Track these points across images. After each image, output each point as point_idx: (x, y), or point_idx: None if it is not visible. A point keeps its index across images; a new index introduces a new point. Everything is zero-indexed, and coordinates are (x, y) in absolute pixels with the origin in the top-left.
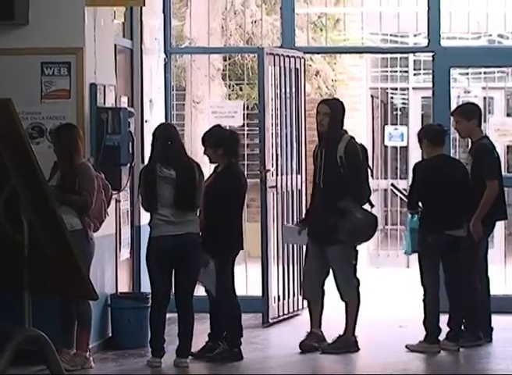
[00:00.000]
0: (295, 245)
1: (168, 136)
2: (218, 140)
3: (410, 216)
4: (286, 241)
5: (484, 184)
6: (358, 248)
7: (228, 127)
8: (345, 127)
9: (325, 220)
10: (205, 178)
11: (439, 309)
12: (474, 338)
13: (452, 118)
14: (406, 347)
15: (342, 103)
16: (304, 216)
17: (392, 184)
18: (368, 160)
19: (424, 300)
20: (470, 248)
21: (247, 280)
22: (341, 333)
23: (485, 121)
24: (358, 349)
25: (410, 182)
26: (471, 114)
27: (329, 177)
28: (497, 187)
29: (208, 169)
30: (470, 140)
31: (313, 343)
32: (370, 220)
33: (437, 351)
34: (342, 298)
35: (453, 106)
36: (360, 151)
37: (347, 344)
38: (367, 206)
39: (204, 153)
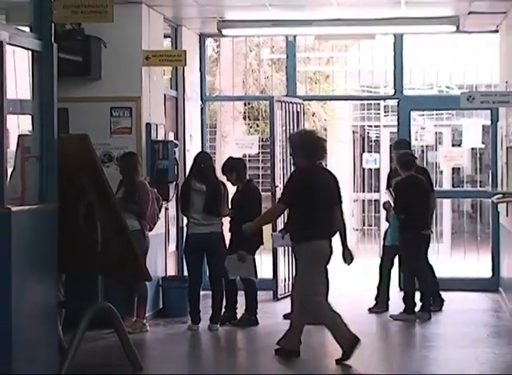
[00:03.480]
0: None
1: (202, 160)
2: (231, 167)
3: (394, 214)
4: (275, 245)
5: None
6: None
7: (247, 155)
8: (333, 155)
9: None
10: (230, 195)
11: (415, 289)
12: (440, 305)
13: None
14: (390, 316)
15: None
16: (283, 225)
17: (389, 189)
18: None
19: (404, 282)
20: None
21: (261, 266)
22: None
23: (436, 150)
24: None
25: (387, 194)
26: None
27: None
28: None
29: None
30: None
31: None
32: None
33: (414, 319)
34: None
35: (413, 138)
36: None
37: None
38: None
39: (227, 180)
